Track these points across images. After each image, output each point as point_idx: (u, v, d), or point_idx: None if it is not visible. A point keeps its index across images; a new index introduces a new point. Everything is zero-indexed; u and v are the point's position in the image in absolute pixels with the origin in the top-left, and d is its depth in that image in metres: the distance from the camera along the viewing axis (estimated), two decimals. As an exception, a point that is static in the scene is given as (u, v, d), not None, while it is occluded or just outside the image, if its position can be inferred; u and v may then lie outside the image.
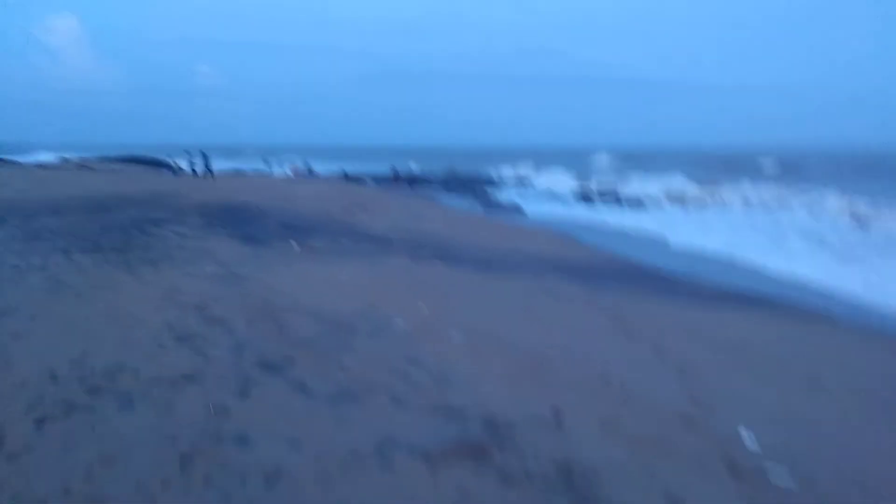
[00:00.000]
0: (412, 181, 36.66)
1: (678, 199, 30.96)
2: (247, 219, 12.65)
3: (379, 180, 41.26)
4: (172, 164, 33.28)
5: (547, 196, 36.95)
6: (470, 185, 44.76)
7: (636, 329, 7.33)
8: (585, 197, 34.54)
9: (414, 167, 41.50)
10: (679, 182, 35.22)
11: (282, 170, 39.13)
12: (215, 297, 5.77)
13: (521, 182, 48.83)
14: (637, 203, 30.60)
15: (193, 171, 30.06)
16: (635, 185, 36.03)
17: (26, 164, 38.04)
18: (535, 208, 29.33)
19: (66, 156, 51.32)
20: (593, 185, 37.75)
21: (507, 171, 55.08)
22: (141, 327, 4.65)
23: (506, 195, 36.87)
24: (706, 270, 13.20)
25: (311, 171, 42.30)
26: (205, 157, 29.59)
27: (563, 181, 42.48)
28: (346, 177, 41.48)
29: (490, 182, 48.26)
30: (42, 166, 36.67)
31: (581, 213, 27.26)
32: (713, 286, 11.67)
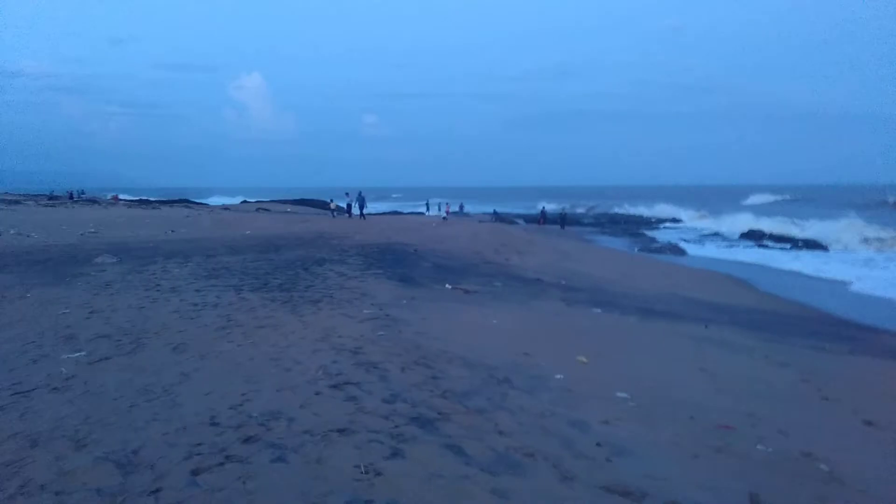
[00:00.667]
0: (563, 221, 35.78)
1: (859, 242, 27.18)
2: (403, 260, 12.87)
3: (528, 220, 41.06)
4: (332, 206, 34.69)
5: (708, 236, 34.41)
6: (623, 224, 43.07)
7: (836, 394, 6.20)
8: (751, 237, 31.67)
9: (564, 207, 40.66)
10: (856, 223, 31.01)
11: (436, 211, 40.34)
12: (370, 341, 5.68)
13: (678, 221, 46.09)
14: (811, 245, 27.38)
15: (348, 211, 31.30)
16: (806, 226, 32.53)
17: (212, 206, 42.87)
18: (697, 249, 27.32)
19: (246, 199, 57.34)
20: (759, 225, 34.48)
21: (661, 210, 52.38)
22: (298, 371, 4.62)
23: (663, 235, 34.91)
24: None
25: (463, 212, 43.21)
26: (361, 199, 30.82)
27: (724, 220, 39.41)
28: (497, 217, 41.80)
29: (644, 221, 46.10)
30: (226, 208, 41.09)
31: (749, 255, 24.93)
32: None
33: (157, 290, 8.04)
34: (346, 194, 31.88)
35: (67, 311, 6.72)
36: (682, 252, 25.92)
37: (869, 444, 4.85)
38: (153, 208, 35.80)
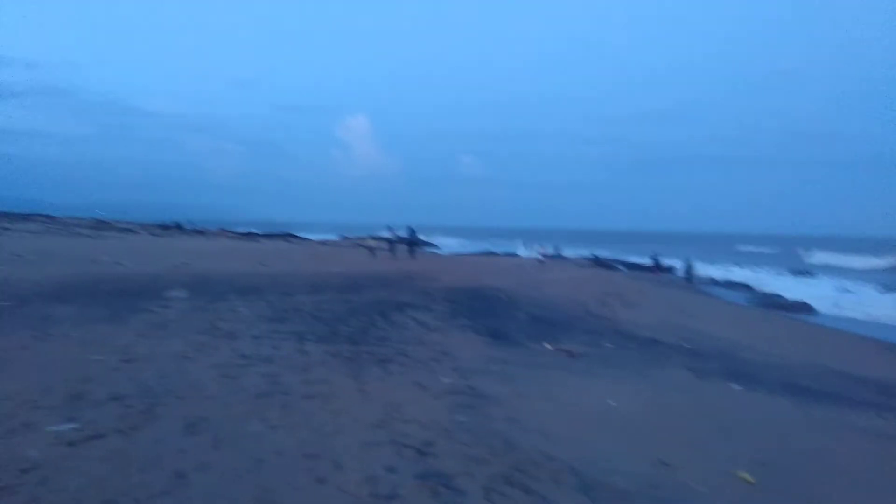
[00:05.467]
0: (689, 272, 31.91)
1: None
2: (494, 308, 11.34)
3: (632, 267, 38.11)
4: (368, 243, 29.39)
5: (840, 291, 30.22)
6: (740, 275, 39.22)
7: None
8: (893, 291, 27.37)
9: (688, 257, 36.87)
10: None
11: (531, 253, 38.45)
12: (445, 431, 4.18)
13: (798, 272, 41.40)
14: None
15: (391, 249, 26.62)
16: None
17: (312, 240, 43.45)
18: (830, 307, 23.73)
19: (346, 234, 58.22)
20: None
21: (778, 261, 47.68)
22: (335, 482, 3.21)
23: (786, 289, 31.15)
24: None
25: (560, 255, 41.05)
26: (412, 233, 26.73)
27: (845, 273, 34.56)
28: (597, 261, 39.22)
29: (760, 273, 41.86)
30: (324, 243, 41.43)
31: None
32: None
33: (212, 335, 6.98)
34: (389, 229, 27.30)
35: (101, 357, 5.72)
36: (811, 309, 22.61)
37: None
38: (254, 241, 36.52)
